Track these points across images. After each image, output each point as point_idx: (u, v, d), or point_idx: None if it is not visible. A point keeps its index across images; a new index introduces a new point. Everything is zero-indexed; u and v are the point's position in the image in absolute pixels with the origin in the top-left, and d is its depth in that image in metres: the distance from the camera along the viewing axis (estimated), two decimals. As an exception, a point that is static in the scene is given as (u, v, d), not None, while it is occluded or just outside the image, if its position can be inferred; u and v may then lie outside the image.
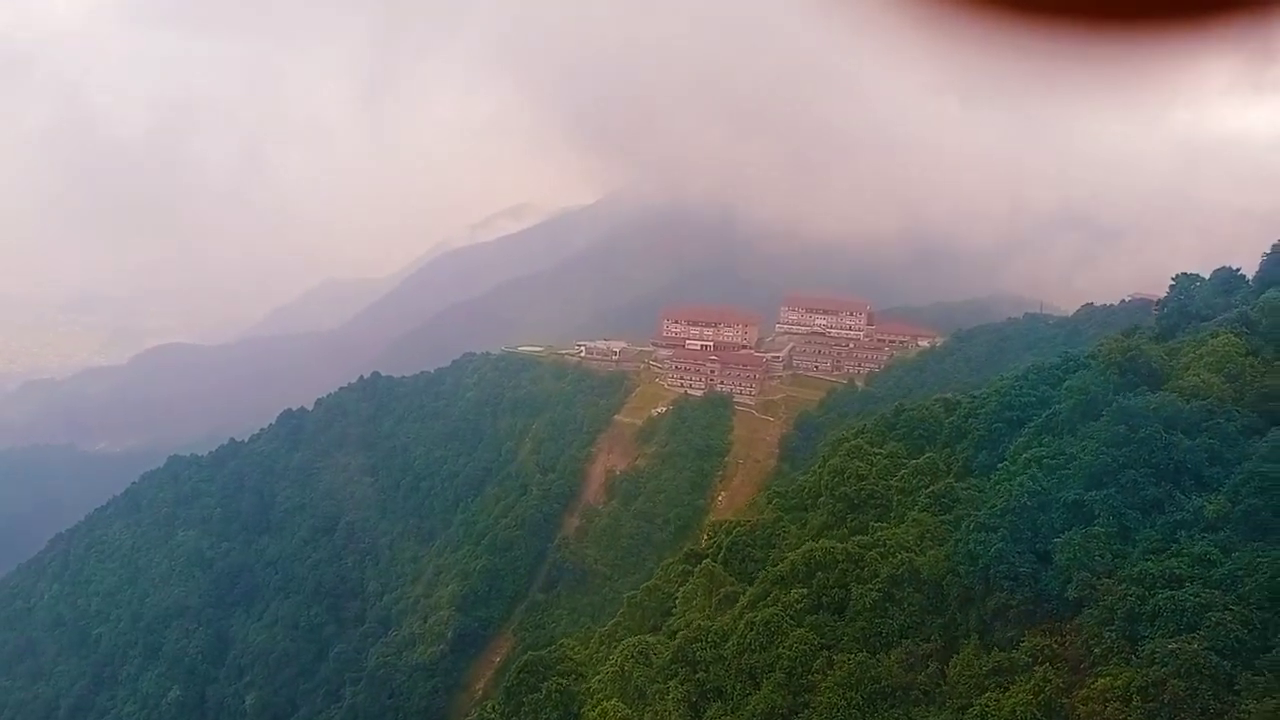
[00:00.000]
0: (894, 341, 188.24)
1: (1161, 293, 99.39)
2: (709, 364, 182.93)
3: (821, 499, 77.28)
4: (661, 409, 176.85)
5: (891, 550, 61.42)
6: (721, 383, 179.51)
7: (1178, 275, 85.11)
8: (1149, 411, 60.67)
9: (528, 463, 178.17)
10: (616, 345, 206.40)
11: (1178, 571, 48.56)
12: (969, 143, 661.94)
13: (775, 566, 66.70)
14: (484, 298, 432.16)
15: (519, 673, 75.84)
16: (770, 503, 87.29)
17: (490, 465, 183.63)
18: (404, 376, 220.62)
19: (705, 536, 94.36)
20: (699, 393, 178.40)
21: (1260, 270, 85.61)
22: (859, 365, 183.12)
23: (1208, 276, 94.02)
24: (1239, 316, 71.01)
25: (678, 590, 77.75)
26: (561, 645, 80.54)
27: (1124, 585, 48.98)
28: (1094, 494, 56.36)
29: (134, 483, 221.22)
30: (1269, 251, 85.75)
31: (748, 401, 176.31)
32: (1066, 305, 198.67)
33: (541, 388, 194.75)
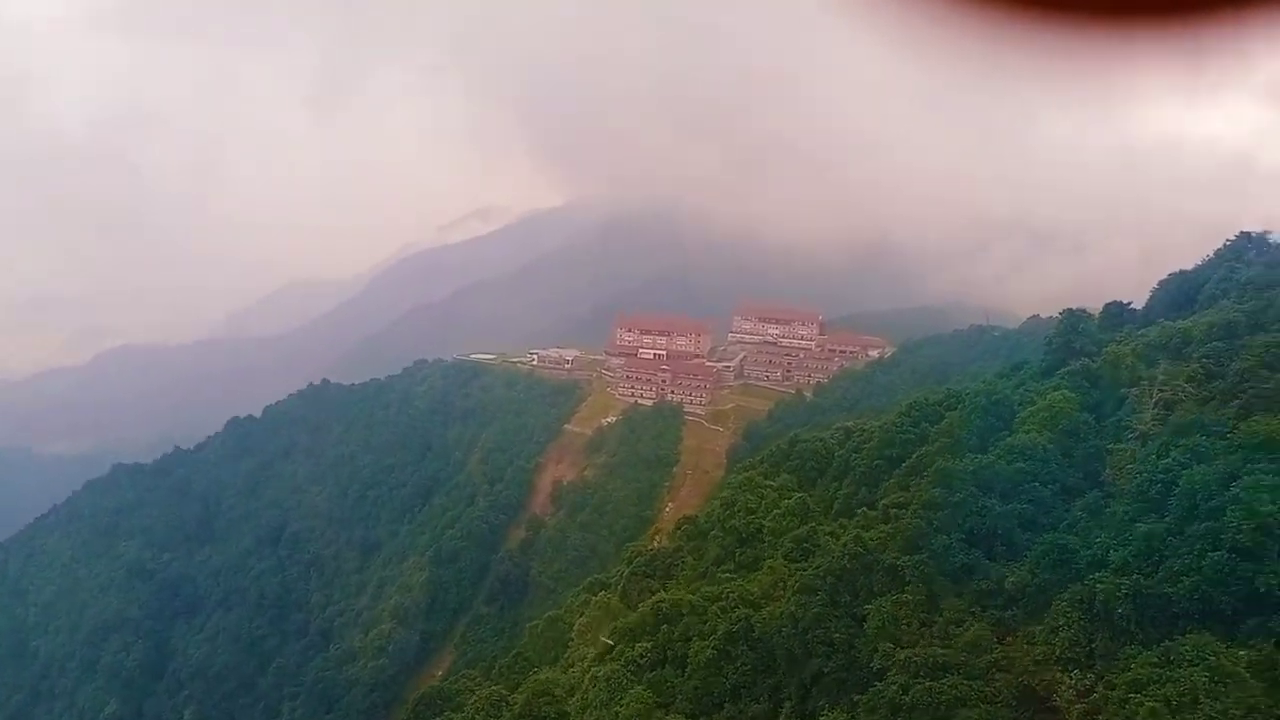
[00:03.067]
0: (844, 352, 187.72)
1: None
2: (660, 373, 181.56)
3: (712, 533, 75.83)
4: (611, 419, 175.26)
5: (733, 604, 59.72)
6: (672, 392, 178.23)
7: (1064, 310, 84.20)
8: (967, 474, 58.62)
9: (476, 472, 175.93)
10: (569, 353, 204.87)
11: (944, 659, 46.84)
12: (924, 149, 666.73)
13: (625, 618, 65.16)
14: (446, 301, 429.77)
15: (414, 706, 74.07)
16: (679, 529, 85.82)
17: (438, 475, 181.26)
18: (353, 384, 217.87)
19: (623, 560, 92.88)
20: (650, 402, 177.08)
21: (1146, 306, 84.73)
22: (809, 376, 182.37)
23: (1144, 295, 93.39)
24: (1082, 368, 69.14)
25: (577, 621, 76.06)
26: (464, 677, 78.68)
27: (892, 672, 47.33)
28: (907, 559, 54.58)
29: (76, 491, 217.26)
30: (1155, 287, 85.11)
31: (698, 411, 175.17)
32: (1023, 312, 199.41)
33: (492, 396, 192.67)
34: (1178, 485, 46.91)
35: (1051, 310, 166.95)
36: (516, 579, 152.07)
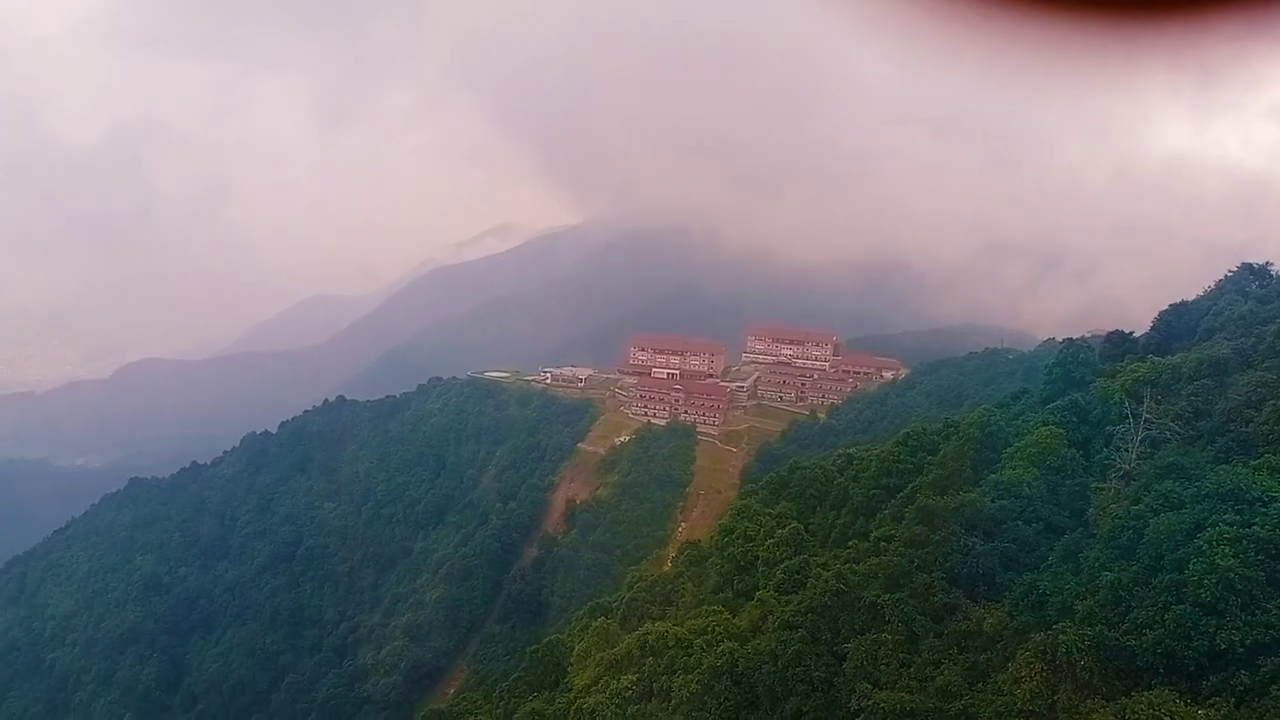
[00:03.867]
0: (858, 373, 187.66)
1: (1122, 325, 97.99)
2: (673, 393, 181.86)
3: (711, 559, 75.76)
4: (625, 438, 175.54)
5: (718, 638, 59.14)
6: (685, 412, 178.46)
7: (1064, 339, 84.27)
8: (949, 511, 57.46)
9: (489, 491, 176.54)
10: (583, 372, 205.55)
11: (914, 705, 45.84)
12: (935, 170, 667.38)
13: (612, 649, 65.14)
14: (464, 318, 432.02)
15: (418, 727, 74.53)
16: (681, 554, 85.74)
17: (452, 492, 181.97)
18: (368, 401, 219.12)
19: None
20: (663, 422, 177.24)
21: (1146, 336, 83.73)
22: (823, 396, 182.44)
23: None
24: (1070, 403, 68.65)
25: (576, 646, 76.06)
26: (464, 700, 79.00)
27: (862, 717, 46.63)
28: (888, 596, 53.56)
29: (93, 505, 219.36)
30: (1156, 317, 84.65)
31: (711, 431, 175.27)
32: (1039, 333, 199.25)
33: (506, 414, 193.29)
34: (1147, 533, 46.12)
35: (1067, 333, 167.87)
36: (529, 598, 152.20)
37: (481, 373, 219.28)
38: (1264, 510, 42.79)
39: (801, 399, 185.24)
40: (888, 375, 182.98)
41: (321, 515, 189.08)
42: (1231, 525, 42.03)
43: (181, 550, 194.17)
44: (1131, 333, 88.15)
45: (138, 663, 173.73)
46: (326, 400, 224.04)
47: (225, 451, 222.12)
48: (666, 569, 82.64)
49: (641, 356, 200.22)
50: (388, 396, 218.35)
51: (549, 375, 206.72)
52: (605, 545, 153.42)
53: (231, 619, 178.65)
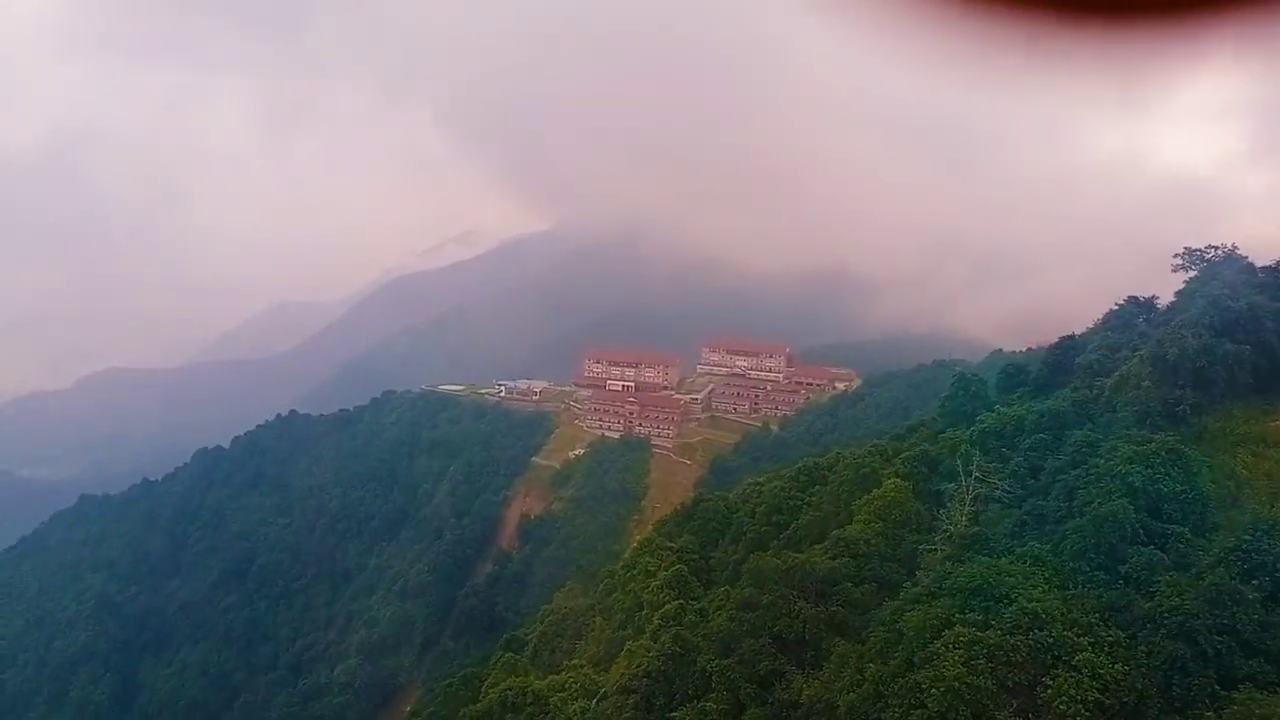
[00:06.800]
0: (811, 384, 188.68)
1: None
2: (628, 406, 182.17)
3: (615, 595, 75.65)
4: (579, 451, 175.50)
5: (574, 695, 58.33)
6: (640, 425, 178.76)
7: (958, 374, 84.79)
8: (779, 573, 55.08)
9: (443, 506, 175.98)
10: (538, 385, 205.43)
11: None
12: (883, 175, 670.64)
13: (477, 703, 64.93)
14: (427, 327, 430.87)
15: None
16: (601, 583, 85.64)
17: (406, 508, 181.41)
18: (321, 415, 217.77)
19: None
20: (617, 435, 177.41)
21: (1037, 371, 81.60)
22: (776, 408, 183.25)
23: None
24: (921, 454, 67.43)
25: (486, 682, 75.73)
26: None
27: None
28: (717, 663, 51.68)
29: (43, 522, 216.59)
30: (1044, 352, 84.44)
31: (665, 444, 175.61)
32: (991, 342, 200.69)
33: (460, 428, 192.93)
34: (903, 625, 44.68)
35: (1021, 341, 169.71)
36: (483, 614, 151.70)
37: (436, 386, 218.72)
38: (1005, 610, 41.60)
39: (755, 410, 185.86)
40: (840, 386, 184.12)
41: (275, 531, 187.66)
42: (969, 627, 40.73)
43: (133, 568, 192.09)
44: (1025, 365, 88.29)
45: (90, 683, 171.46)
46: (279, 415, 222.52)
47: (178, 467, 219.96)
48: (579, 602, 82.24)
49: (596, 369, 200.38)
50: (341, 410, 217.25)
51: (503, 388, 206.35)
52: (559, 560, 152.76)
53: (184, 637, 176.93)
